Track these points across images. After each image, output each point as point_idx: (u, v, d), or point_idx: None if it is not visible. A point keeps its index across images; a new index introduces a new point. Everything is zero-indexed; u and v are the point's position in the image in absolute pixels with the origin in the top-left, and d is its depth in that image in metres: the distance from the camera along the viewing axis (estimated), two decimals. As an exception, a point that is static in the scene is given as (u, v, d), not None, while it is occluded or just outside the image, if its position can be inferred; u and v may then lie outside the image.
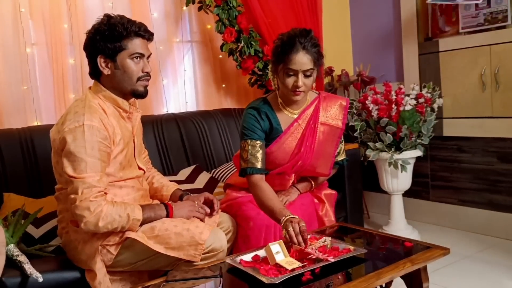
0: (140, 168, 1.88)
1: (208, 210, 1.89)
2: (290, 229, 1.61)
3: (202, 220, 1.83)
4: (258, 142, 1.99)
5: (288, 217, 1.70)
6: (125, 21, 1.71)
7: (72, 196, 1.60)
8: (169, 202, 1.83)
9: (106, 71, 1.72)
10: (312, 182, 2.17)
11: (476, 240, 2.94)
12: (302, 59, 1.88)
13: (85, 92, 1.80)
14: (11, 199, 2.08)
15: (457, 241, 2.94)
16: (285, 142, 2.05)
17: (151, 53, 1.80)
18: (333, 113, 2.10)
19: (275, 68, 1.98)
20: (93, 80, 1.81)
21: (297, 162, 2.05)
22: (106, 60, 1.71)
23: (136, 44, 1.72)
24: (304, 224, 1.64)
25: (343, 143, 2.20)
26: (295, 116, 2.06)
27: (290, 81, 1.91)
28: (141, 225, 1.69)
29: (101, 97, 1.75)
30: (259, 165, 1.96)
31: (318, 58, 1.93)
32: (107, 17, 1.72)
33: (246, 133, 2.00)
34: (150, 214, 1.72)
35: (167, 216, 1.76)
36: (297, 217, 1.70)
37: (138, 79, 1.74)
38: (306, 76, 1.91)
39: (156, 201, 1.91)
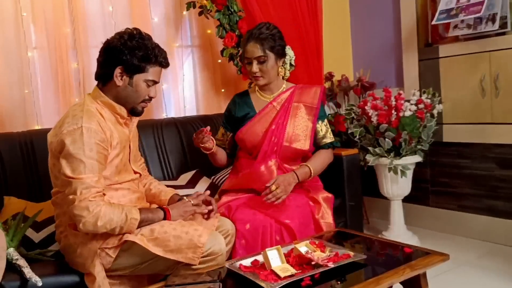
0: (135, 172, 1.90)
1: (205, 209, 1.90)
2: None
3: (200, 213, 1.88)
4: (223, 128, 2.37)
5: None
6: (155, 46, 1.78)
7: (71, 196, 1.61)
8: (165, 206, 1.84)
9: (119, 82, 1.75)
10: (311, 168, 2.20)
11: (476, 246, 2.93)
12: (252, 48, 2.15)
13: (83, 97, 1.83)
14: (12, 202, 2.08)
15: (457, 247, 2.93)
16: (258, 122, 2.23)
17: (159, 81, 1.88)
18: (308, 97, 2.27)
19: (242, 61, 2.28)
20: (95, 84, 1.82)
21: (271, 138, 2.19)
22: (123, 73, 1.75)
23: (155, 72, 1.80)
24: None
25: (327, 126, 2.33)
26: (268, 100, 2.27)
27: (248, 68, 2.20)
28: (139, 226, 1.70)
29: (99, 103, 1.78)
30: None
31: (271, 46, 2.15)
32: (139, 33, 1.77)
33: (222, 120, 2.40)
34: (147, 215, 1.73)
35: (165, 218, 1.77)
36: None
37: (143, 101, 1.81)
38: (260, 63, 2.16)
39: (154, 205, 1.92)
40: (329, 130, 2.33)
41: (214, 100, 3.22)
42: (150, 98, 1.83)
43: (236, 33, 2.94)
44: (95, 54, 1.80)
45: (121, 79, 1.75)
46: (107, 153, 1.71)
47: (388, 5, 3.49)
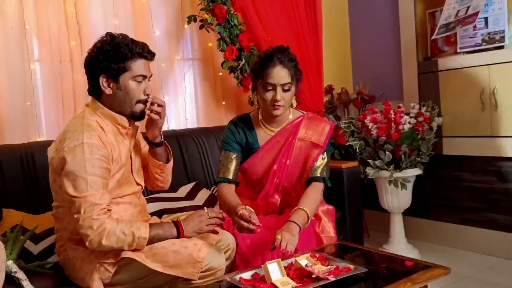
0: (137, 184, 1.88)
1: (222, 216, 1.79)
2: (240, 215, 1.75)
3: (220, 227, 1.83)
4: (231, 153, 2.06)
5: (243, 207, 1.81)
6: (129, 42, 1.71)
7: (75, 215, 1.59)
8: (179, 220, 1.77)
9: (108, 91, 1.72)
10: (308, 213, 1.95)
11: (477, 260, 2.92)
12: (279, 73, 1.93)
13: (82, 109, 1.80)
14: (10, 215, 2.08)
15: (457, 260, 2.92)
16: (261, 158, 2.08)
17: (152, 74, 1.81)
18: (315, 132, 2.09)
19: (254, 85, 2.04)
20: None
21: (273, 180, 2.07)
22: (109, 80, 1.71)
23: (139, 66, 1.72)
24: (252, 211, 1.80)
25: (325, 159, 2.11)
26: (273, 134, 2.09)
27: (268, 95, 1.96)
28: (150, 243, 1.65)
29: (99, 115, 1.75)
30: (230, 176, 2.03)
31: (295, 72, 1.98)
32: (110, 36, 1.72)
33: (223, 145, 2.11)
34: (158, 232, 1.67)
35: (178, 234, 1.69)
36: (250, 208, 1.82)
37: (138, 101, 1.75)
38: (285, 91, 1.95)
39: (167, 220, 1.84)
40: (326, 165, 2.10)
41: (215, 112, 3.23)
42: (147, 96, 1.76)
43: (237, 47, 2.96)
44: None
45: (109, 87, 1.71)
46: (110, 167, 1.69)
47: (387, 19, 3.52)
